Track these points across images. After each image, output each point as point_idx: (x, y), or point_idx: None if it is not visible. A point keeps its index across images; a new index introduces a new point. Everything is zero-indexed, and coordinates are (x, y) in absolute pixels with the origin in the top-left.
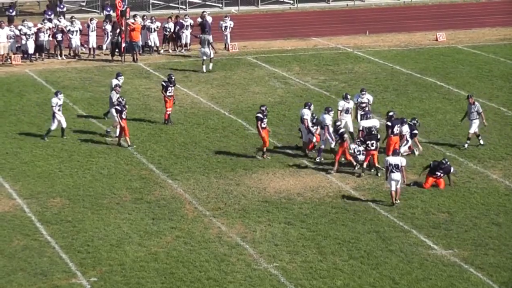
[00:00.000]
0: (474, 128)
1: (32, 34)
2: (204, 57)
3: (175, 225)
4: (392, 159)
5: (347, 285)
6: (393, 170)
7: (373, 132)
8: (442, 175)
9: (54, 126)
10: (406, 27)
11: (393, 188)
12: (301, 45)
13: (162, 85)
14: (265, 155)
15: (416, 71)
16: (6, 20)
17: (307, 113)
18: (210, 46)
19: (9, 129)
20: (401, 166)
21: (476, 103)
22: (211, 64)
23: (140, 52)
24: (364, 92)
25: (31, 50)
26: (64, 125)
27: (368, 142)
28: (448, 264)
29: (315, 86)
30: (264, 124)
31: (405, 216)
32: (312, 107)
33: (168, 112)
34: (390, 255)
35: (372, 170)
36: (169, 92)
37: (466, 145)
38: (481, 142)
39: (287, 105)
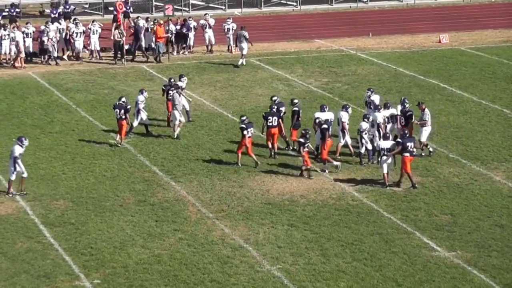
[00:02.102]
0: (425, 135)
1: (54, 36)
2: (243, 52)
3: (178, 227)
4: (384, 143)
5: (350, 287)
6: (385, 154)
7: (308, 135)
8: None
9: (136, 123)
10: (409, 29)
11: (385, 171)
12: (304, 47)
13: (162, 89)
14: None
15: (419, 73)
16: (7, 21)
17: (345, 116)
18: (247, 41)
19: (12, 132)
20: (391, 150)
21: (426, 110)
22: (243, 60)
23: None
24: (369, 92)
25: (54, 53)
26: (148, 122)
27: (307, 143)
28: (451, 266)
29: (318, 88)
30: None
31: (408, 218)
32: (350, 110)
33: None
34: (393, 257)
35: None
36: (170, 96)
37: (423, 153)
38: (430, 149)
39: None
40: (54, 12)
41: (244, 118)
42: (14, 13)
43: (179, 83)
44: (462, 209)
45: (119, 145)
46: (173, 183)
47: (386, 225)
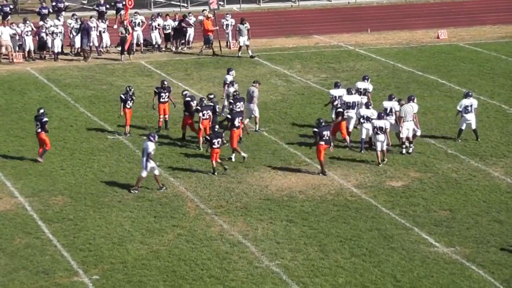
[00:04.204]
0: (404, 132)
1: (60, 32)
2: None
3: (177, 223)
4: (378, 122)
5: (348, 282)
6: (378, 132)
7: (216, 129)
8: None
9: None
10: (407, 24)
11: (379, 149)
12: (303, 43)
13: (155, 91)
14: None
15: (418, 69)
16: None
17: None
18: (240, 34)
19: (11, 127)
20: (385, 129)
21: (404, 106)
22: (249, 51)
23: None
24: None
25: (58, 48)
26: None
27: (214, 140)
28: (449, 262)
29: (317, 84)
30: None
31: (406, 214)
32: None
33: (161, 119)
34: (392, 253)
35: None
36: (162, 99)
37: (410, 150)
38: (404, 151)
39: (289, 103)
40: (44, 8)
41: (203, 99)
42: (8, 10)
43: (229, 77)
44: (461, 204)
45: (127, 134)
46: (171, 179)
47: (384, 220)
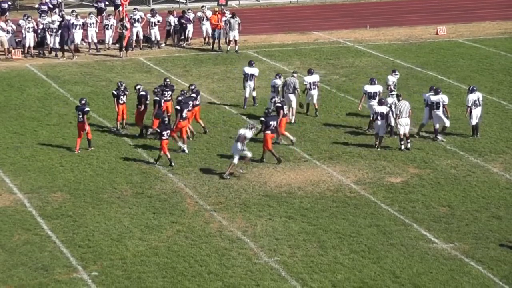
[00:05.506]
0: (401, 129)
1: (57, 28)
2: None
3: (176, 219)
4: (378, 108)
5: (347, 279)
6: (378, 118)
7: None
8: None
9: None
10: (406, 21)
11: (379, 133)
12: (302, 39)
13: (156, 91)
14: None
15: (417, 65)
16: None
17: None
18: (231, 29)
19: (9, 124)
20: (386, 115)
21: (399, 102)
22: (235, 47)
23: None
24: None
25: (56, 45)
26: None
27: (164, 132)
28: (448, 258)
29: None
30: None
31: (405, 210)
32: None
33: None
34: (391, 249)
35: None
36: (164, 97)
37: (409, 145)
38: (402, 147)
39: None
40: (45, 3)
41: (181, 97)
42: (6, 6)
43: (255, 70)
44: (460, 201)
45: (120, 129)
46: (170, 175)
47: (383, 217)
